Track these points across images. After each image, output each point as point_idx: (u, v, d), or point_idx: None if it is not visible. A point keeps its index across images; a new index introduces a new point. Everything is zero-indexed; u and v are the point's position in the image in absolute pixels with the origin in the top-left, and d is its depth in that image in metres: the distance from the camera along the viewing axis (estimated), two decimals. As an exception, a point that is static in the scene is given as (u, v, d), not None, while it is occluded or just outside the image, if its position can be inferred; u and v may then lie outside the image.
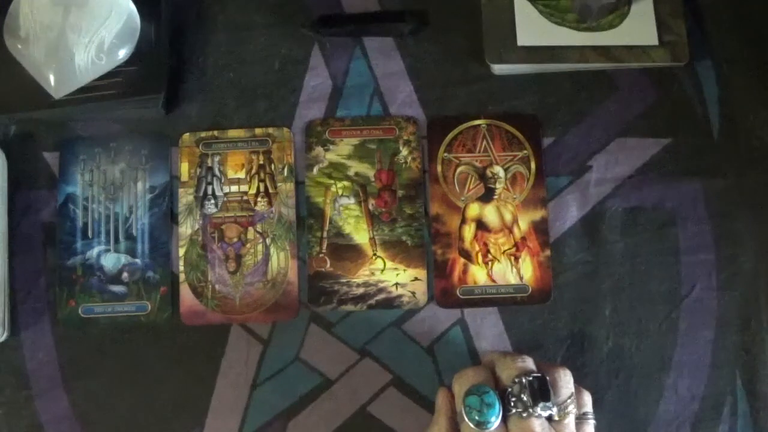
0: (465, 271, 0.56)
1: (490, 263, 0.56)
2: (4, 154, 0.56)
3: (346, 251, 0.56)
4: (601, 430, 0.52)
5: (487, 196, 0.57)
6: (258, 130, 0.58)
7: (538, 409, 0.44)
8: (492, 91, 0.58)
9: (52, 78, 0.53)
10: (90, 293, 0.56)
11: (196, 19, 0.59)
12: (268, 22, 0.59)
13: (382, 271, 0.56)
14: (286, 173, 0.57)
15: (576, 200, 0.57)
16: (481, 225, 0.57)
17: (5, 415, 0.54)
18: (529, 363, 0.46)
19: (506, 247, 0.57)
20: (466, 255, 0.56)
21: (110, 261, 0.56)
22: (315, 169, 0.57)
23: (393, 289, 0.56)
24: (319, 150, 0.58)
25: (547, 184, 0.57)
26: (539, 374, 0.45)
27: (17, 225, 0.56)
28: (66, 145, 0.57)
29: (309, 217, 0.57)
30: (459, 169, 0.57)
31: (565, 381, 0.47)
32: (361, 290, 0.56)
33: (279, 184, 0.57)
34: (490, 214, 0.57)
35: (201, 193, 0.57)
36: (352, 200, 0.57)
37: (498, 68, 0.58)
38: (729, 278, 0.56)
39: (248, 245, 0.56)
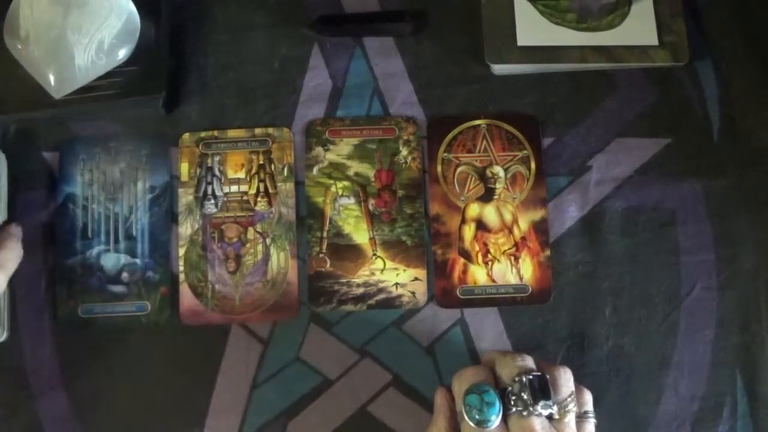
0: (465, 271, 0.56)
1: (490, 263, 0.56)
2: (4, 156, 0.56)
3: (346, 251, 0.56)
4: (601, 430, 0.52)
5: (487, 196, 0.57)
6: (258, 130, 0.58)
7: (539, 408, 0.44)
8: (492, 91, 0.58)
9: (52, 78, 0.53)
10: (90, 293, 0.56)
11: (196, 19, 0.59)
12: (268, 22, 0.59)
13: (382, 271, 0.56)
14: (286, 173, 0.57)
15: (576, 200, 0.57)
16: (481, 225, 0.57)
17: (5, 415, 0.54)
18: (529, 362, 0.46)
19: (506, 247, 0.56)
20: (466, 255, 0.56)
21: (110, 261, 0.56)
22: (315, 169, 0.57)
23: (393, 289, 0.56)
24: (319, 150, 0.58)
25: (547, 184, 0.57)
26: (539, 373, 0.45)
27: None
28: (66, 145, 0.57)
29: (309, 217, 0.57)
30: (459, 169, 0.57)
31: (566, 379, 0.47)
32: (361, 290, 0.56)
33: (279, 184, 0.57)
34: (490, 214, 0.57)
35: (201, 193, 0.57)
36: (352, 200, 0.57)
37: (498, 68, 0.58)
38: (729, 278, 0.56)
39: (248, 245, 0.56)
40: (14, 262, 0.51)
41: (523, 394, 0.44)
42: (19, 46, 0.53)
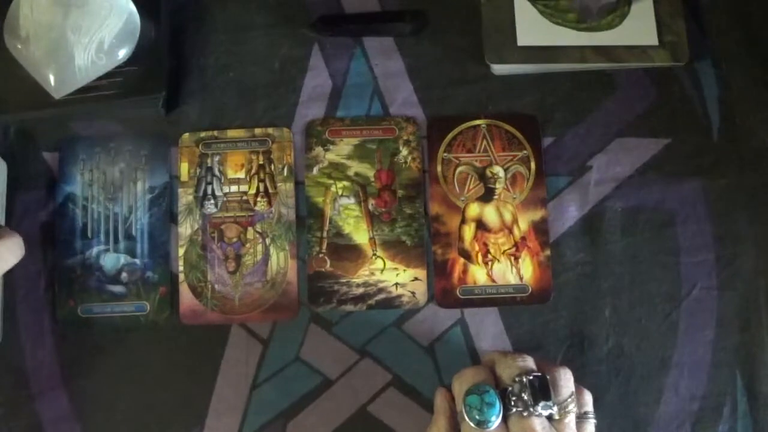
0: (465, 271, 0.56)
1: (490, 263, 0.56)
2: (5, 162, 0.56)
3: (346, 251, 0.56)
4: (601, 430, 0.52)
5: (487, 196, 0.57)
6: (258, 130, 0.58)
7: (539, 408, 0.44)
8: (492, 91, 0.58)
9: (52, 78, 0.53)
10: (89, 293, 0.56)
11: (196, 19, 0.59)
12: (268, 22, 0.59)
13: (382, 271, 0.56)
14: (285, 173, 0.57)
15: (576, 200, 0.57)
16: (481, 225, 0.57)
17: (5, 415, 0.54)
18: (530, 362, 0.46)
19: (506, 247, 0.57)
20: (466, 255, 0.56)
21: (109, 261, 0.56)
22: (315, 169, 0.57)
23: (393, 289, 0.56)
24: (318, 150, 0.58)
25: (547, 184, 0.57)
26: (540, 373, 0.45)
27: (17, 225, 0.56)
28: (66, 145, 0.57)
29: (309, 217, 0.57)
30: (459, 169, 0.57)
31: (566, 380, 0.47)
32: (361, 290, 0.56)
33: (279, 184, 0.57)
34: (490, 214, 0.57)
35: (201, 193, 0.57)
36: (352, 200, 0.57)
37: (498, 68, 0.58)
38: (729, 278, 0.56)
39: (248, 245, 0.56)
40: (12, 257, 0.50)
41: (523, 394, 0.44)
42: (19, 46, 0.53)
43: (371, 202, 0.57)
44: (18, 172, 0.57)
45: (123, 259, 0.56)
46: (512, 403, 0.44)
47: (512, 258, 0.56)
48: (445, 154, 0.58)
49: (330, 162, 0.57)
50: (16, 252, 0.50)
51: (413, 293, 0.56)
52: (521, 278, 0.56)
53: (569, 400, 0.46)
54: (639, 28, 0.57)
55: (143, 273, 0.56)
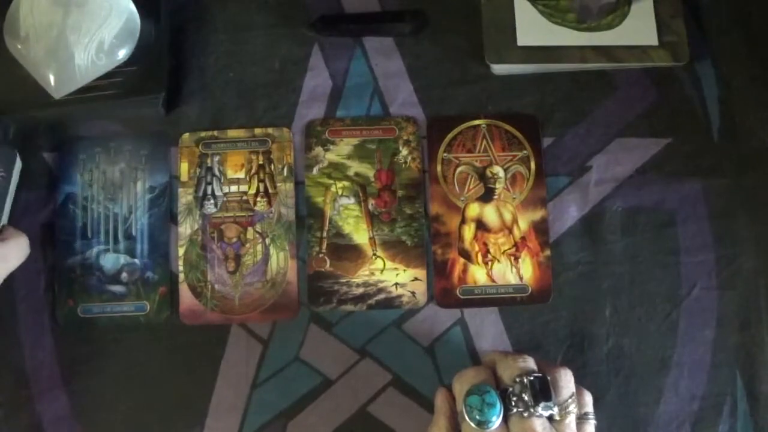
0: (465, 271, 0.56)
1: (489, 263, 0.56)
2: (19, 158, 0.55)
3: (345, 251, 0.56)
4: (602, 430, 0.52)
5: (486, 196, 0.57)
6: (258, 130, 0.58)
7: (540, 409, 0.44)
8: (492, 91, 0.58)
9: (52, 78, 0.53)
10: (89, 293, 0.56)
11: (196, 19, 0.59)
12: (268, 22, 0.59)
13: (382, 271, 0.56)
14: (285, 173, 0.57)
15: (576, 200, 0.57)
16: (480, 225, 0.57)
17: (5, 415, 0.54)
18: (530, 363, 0.46)
19: (506, 247, 0.57)
20: (466, 255, 0.56)
21: (109, 261, 0.56)
22: (315, 169, 0.57)
23: (393, 289, 0.56)
24: (318, 150, 0.58)
25: (547, 184, 0.57)
26: (540, 374, 0.45)
27: (17, 224, 0.56)
28: (66, 145, 0.57)
29: (309, 217, 0.57)
30: (459, 169, 0.57)
31: (566, 381, 0.47)
32: (360, 290, 0.56)
33: (279, 184, 0.57)
34: (489, 214, 0.57)
35: (200, 193, 0.57)
36: (352, 200, 0.57)
37: (498, 68, 0.58)
38: (729, 278, 0.56)
39: (248, 245, 0.56)
40: (17, 257, 0.50)
41: (524, 395, 0.44)
42: (19, 46, 0.53)
43: (371, 202, 0.57)
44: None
45: (123, 259, 0.56)
46: (513, 403, 0.44)
47: (512, 258, 0.56)
48: (445, 154, 0.58)
49: (330, 162, 0.57)
50: (20, 253, 0.50)
51: (413, 293, 0.56)
52: (521, 278, 0.56)
53: (570, 400, 0.46)
54: (639, 28, 0.58)
55: (143, 273, 0.56)
